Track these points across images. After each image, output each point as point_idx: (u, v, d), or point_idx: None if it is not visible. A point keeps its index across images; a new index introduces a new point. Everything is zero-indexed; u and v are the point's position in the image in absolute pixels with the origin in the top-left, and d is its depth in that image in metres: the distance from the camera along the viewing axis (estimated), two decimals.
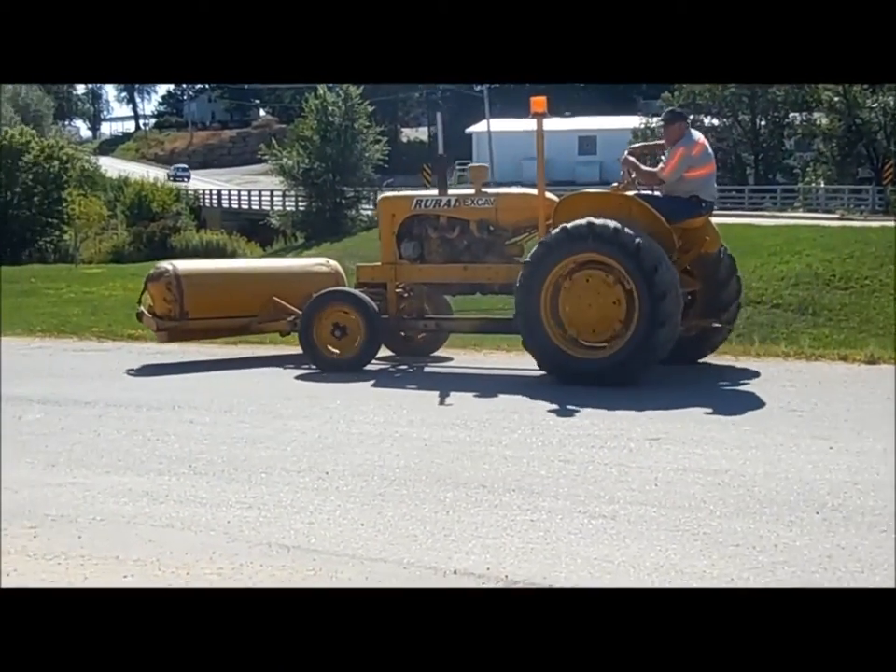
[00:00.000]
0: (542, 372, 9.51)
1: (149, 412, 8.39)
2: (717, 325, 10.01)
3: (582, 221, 9.02)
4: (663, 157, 9.86)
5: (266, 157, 49.31)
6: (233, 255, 40.15)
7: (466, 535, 5.16)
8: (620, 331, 9.01)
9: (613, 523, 5.31)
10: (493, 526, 5.28)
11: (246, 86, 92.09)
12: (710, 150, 9.83)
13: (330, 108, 45.11)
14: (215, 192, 64.08)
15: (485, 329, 10.89)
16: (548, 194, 10.04)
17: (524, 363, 9.90)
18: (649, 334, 8.81)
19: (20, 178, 44.00)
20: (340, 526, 5.37)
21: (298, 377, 10.06)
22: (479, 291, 10.78)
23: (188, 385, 9.80)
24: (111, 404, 8.65)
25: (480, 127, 60.70)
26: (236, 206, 60.17)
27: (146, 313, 11.23)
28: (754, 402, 8.26)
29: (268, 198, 55.48)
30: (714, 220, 10.08)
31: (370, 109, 46.64)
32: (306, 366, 10.55)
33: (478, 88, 62.33)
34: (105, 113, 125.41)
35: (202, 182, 73.54)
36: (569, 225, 9.08)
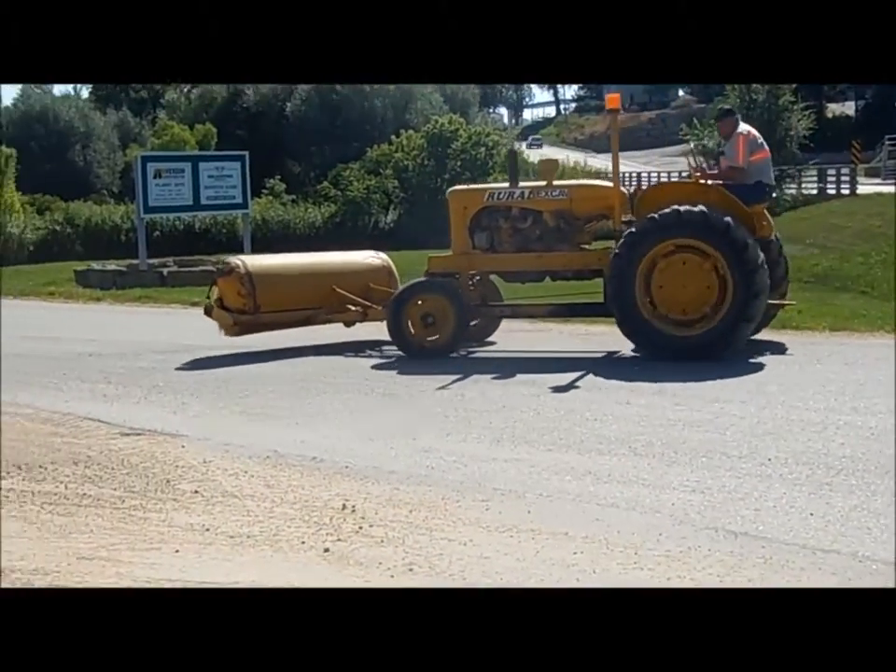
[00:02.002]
0: None
1: (586, 392, 8.54)
2: (773, 302, 10.42)
3: (669, 209, 9.70)
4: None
5: (688, 137, 48.63)
6: None
7: None
8: (712, 308, 9.71)
9: None
10: None
11: None
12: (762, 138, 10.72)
13: (753, 85, 43.74)
14: (634, 175, 64.25)
15: (558, 314, 11.50)
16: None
17: None
18: (744, 307, 9.60)
19: (448, 165, 46.05)
20: (787, 515, 5.19)
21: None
22: (549, 277, 11.27)
23: (621, 366, 9.86)
24: (546, 384, 8.87)
25: None
26: None
27: (215, 307, 11.52)
28: None
29: None
30: None
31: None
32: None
33: None
34: (527, 99, 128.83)
35: (620, 165, 74.07)
36: (657, 214, 9.74)
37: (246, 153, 25.56)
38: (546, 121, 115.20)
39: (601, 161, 61.20)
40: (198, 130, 56.17)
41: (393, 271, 12.45)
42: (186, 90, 70.33)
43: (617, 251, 9.97)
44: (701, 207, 9.64)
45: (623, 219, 10.49)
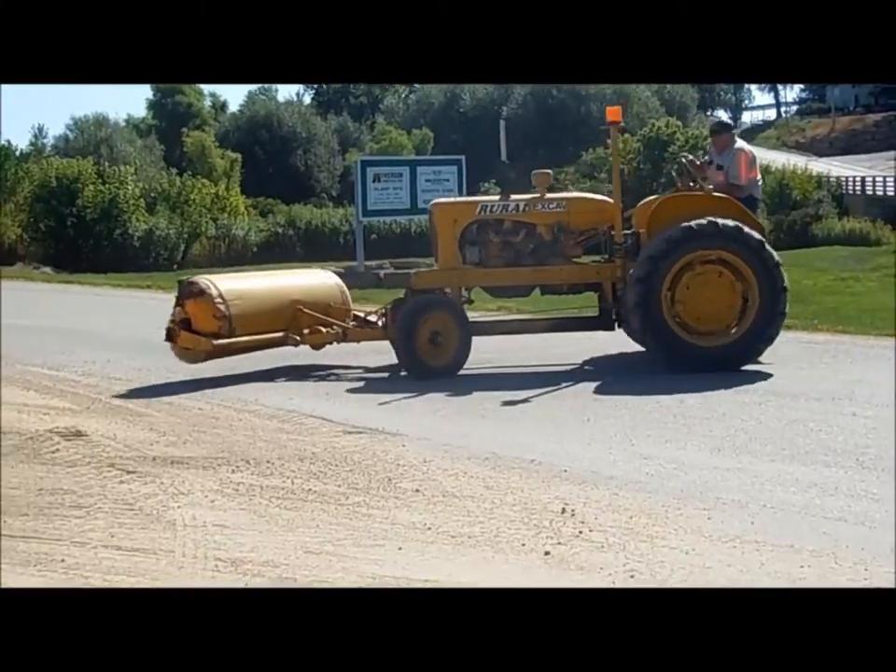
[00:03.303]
0: None
1: (807, 402, 8.28)
2: None
3: (704, 221, 9.58)
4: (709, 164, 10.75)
5: None
6: (877, 243, 38.23)
7: None
8: (735, 321, 9.73)
9: None
10: None
11: None
12: None
13: None
14: (858, 179, 61.82)
15: (559, 328, 11.06)
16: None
17: None
18: (769, 323, 9.66)
19: (664, 169, 45.42)
20: None
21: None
22: (539, 291, 10.97)
23: (838, 377, 9.51)
24: (770, 392, 8.64)
25: None
26: (881, 193, 57.48)
27: (181, 331, 10.30)
28: None
29: None
30: None
31: None
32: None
33: None
34: (746, 102, 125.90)
35: (843, 169, 71.49)
36: (694, 224, 9.56)
37: (463, 157, 25.83)
38: (766, 124, 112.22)
39: (822, 165, 59.27)
40: (415, 134, 57.32)
41: (346, 290, 11.42)
42: (404, 95, 71.77)
43: (651, 255, 9.65)
44: (735, 222, 9.65)
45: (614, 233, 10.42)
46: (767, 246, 9.73)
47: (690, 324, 9.74)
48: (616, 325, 10.57)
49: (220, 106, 79.02)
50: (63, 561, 5.09)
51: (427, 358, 9.98)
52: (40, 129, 70.69)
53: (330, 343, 10.77)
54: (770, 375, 9.37)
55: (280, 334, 10.49)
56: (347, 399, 9.06)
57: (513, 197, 10.84)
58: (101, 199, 36.17)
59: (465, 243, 10.67)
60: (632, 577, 4.62)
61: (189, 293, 10.38)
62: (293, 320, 10.60)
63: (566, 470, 6.41)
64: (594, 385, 9.29)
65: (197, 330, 10.25)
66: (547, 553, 4.98)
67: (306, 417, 8.21)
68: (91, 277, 26.65)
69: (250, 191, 48.60)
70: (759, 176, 10.88)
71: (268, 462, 6.81)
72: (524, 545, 5.12)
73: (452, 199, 12.08)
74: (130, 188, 37.47)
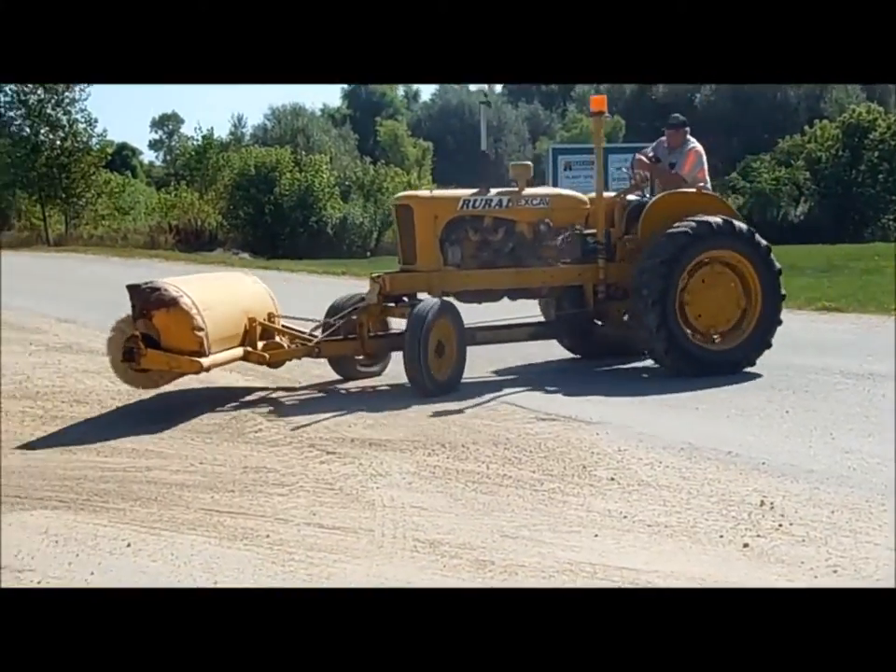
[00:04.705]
0: None
1: None
2: None
3: (720, 219, 9.35)
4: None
5: None
6: None
7: None
8: (735, 325, 9.49)
9: None
10: None
11: None
12: None
13: None
14: None
15: (540, 336, 10.30)
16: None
17: None
18: (768, 330, 9.48)
19: (865, 157, 43.98)
20: None
21: None
22: (509, 298, 10.09)
23: None
24: None
25: None
26: None
27: (145, 348, 8.20)
28: None
29: None
30: None
31: None
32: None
33: None
34: None
35: None
36: (710, 220, 9.28)
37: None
38: None
39: None
40: (607, 122, 56.95)
41: (273, 297, 9.69)
42: (596, 84, 71.33)
43: (664, 258, 9.14)
44: (744, 224, 9.56)
45: (587, 232, 9.92)
46: (771, 253, 9.57)
47: (697, 326, 9.42)
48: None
49: (413, 96, 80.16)
50: (267, 537, 5.28)
51: (435, 372, 8.78)
52: (239, 118, 73.42)
53: (297, 358, 9.36)
54: None
55: (239, 350, 8.83)
56: (539, 386, 9.10)
57: (494, 191, 9.92)
58: (297, 187, 37.22)
59: (447, 241, 9.65)
60: (835, 572, 4.51)
61: (157, 301, 8.25)
62: (246, 334, 8.96)
63: (763, 463, 6.29)
64: (789, 377, 9.07)
65: (169, 347, 8.24)
66: (746, 546, 4.90)
67: (499, 404, 8.29)
68: (287, 263, 27.45)
69: (441, 180, 49.16)
70: (707, 178, 10.34)
71: (463, 446, 6.91)
72: (721, 537, 5.05)
73: (428, 192, 10.44)
74: (325, 176, 38.44)
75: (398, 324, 9.53)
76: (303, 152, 42.07)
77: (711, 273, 9.43)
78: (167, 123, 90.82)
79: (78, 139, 38.21)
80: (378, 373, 9.79)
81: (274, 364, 9.20)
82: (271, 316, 9.25)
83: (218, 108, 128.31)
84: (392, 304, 9.47)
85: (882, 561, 4.61)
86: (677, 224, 9.30)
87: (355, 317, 9.32)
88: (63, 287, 20.32)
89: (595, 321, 10.28)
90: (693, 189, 9.97)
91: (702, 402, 8.18)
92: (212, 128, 56.01)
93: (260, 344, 8.97)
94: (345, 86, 75.29)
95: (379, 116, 63.24)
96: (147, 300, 8.29)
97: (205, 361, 8.20)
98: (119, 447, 7.19)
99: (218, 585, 4.62)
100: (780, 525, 5.16)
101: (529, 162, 10.41)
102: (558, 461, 6.49)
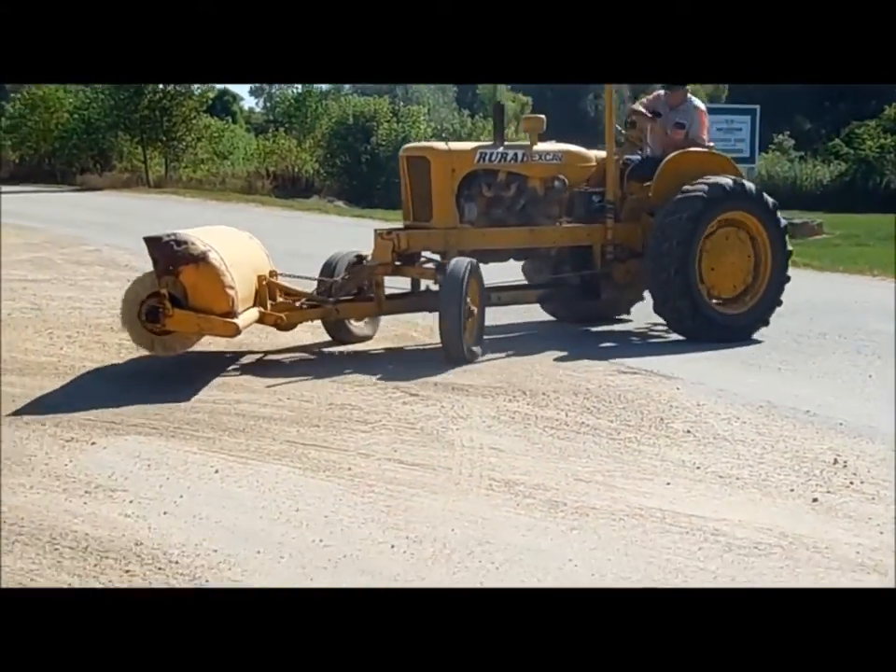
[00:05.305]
0: None
1: None
2: None
3: (732, 179, 9.15)
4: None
5: None
6: None
7: None
8: (748, 287, 9.33)
9: None
10: None
11: None
12: None
13: None
14: None
15: (549, 298, 9.82)
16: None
17: None
18: (779, 290, 9.34)
19: None
20: None
21: None
22: (531, 256, 9.73)
23: None
24: None
25: None
26: None
27: (172, 308, 7.40)
28: None
29: None
30: None
31: None
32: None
33: None
34: None
35: None
36: (723, 182, 9.06)
37: (757, 107, 25.11)
38: None
39: None
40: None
41: (268, 254, 8.82)
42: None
43: (685, 215, 8.85)
44: (752, 184, 9.45)
45: (591, 190, 9.54)
46: (778, 210, 9.44)
47: (715, 292, 9.26)
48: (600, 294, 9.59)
49: None
50: (349, 469, 5.48)
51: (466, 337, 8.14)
52: None
53: (314, 320, 8.81)
54: None
55: (255, 312, 8.03)
56: (621, 340, 9.18)
57: (510, 143, 9.53)
58: (394, 137, 37.31)
59: (463, 197, 9.11)
60: None
61: (185, 256, 7.43)
62: (257, 294, 8.19)
63: (841, 423, 6.32)
64: (875, 343, 9.03)
65: (197, 307, 7.46)
66: (815, 500, 4.98)
67: (580, 355, 8.39)
68: (381, 213, 27.68)
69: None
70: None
71: (543, 394, 7.04)
72: (792, 490, 5.13)
73: (444, 144, 9.37)
74: (422, 127, 38.45)
75: (398, 283, 9.10)
76: (402, 103, 42.16)
77: (725, 235, 9.24)
78: None
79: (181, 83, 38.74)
80: (370, 336, 9.20)
81: (288, 326, 8.44)
82: (273, 274, 8.45)
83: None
84: (400, 263, 8.89)
85: None
86: (691, 184, 9.06)
87: (363, 276, 8.83)
88: (161, 226, 20.75)
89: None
90: (705, 149, 9.73)
91: (785, 363, 8.19)
92: None
93: (272, 304, 8.29)
94: None
95: None
96: (172, 254, 7.42)
97: (239, 322, 7.51)
98: (210, 380, 7.45)
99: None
100: (851, 483, 5.23)
101: (542, 115, 9.86)
102: (636, 412, 6.59)
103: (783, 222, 9.47)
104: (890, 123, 41.44)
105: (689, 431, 6.19)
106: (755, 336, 9.20)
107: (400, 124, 37.96)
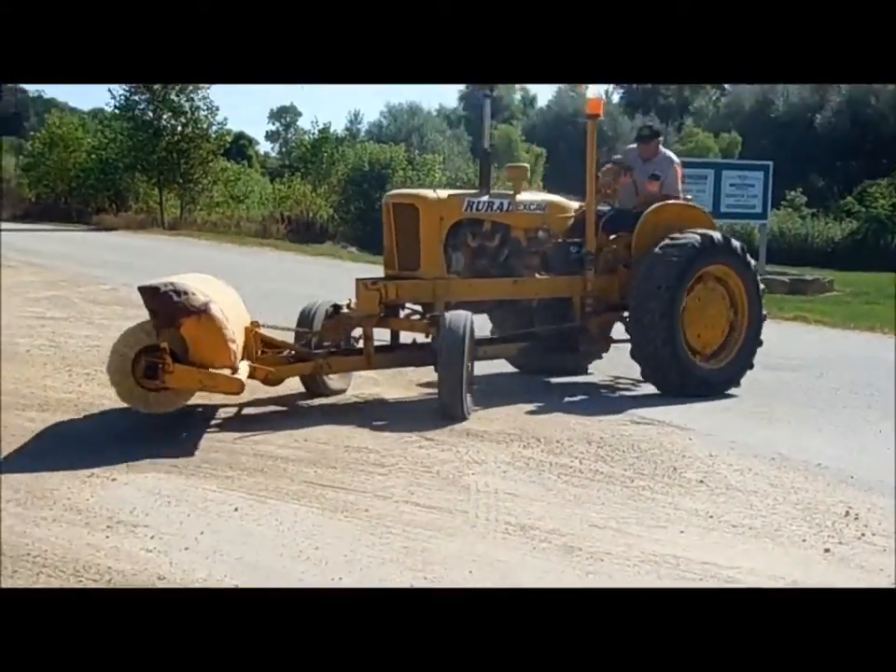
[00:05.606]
0: None
1: None
2: None
3: (720, 234, 9.24)
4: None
5: None
6: None
7: None
8: (724, 342, 9.32)
9: None
10: None
11: None
12: None
13: None
14: None
15: (530, 352, 9.40)
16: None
17: None
18: (753, 349, 9.35)
19: None
20: None
21: None
22: (511, 309, 9.43)
23: None
24: None
25: None
26: None
27: (172, 363, 6.91)
28: None
29: None
30: None
31: None
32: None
33: None
34: None
35: None
36: (699, 239, 9.02)
37: (771, 163, 25.33)
38: None
39: None
40: (723, 138, 56.39)
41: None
42: (714, 97, 70.71)
43: (674, 261, 8.82)
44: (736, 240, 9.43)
45: (571, 241, 9.40)
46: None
47: (694, 346, 9.15)
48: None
49: (530, 101, 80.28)
50: (366, 511, 5.56)
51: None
52: (356, 114, 74.21)
53: (304, 374, 8.35)
54: None
55: (245, 365, 7.43)
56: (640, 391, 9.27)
57: (495, 192, 9.28)
58: (409, 184, 37.59)
59: (450, 247, 8.86)
60: None
61: (185, 308, 6.92)
62: (245, 347, 7.61)
63: (852, 477, 6.41)
64: (888, 400, 9.10)
65: (199, 362, 6.99)
66: (827, 551, 5.06)
67: (593, 404, 8.48)
68: None
69: (552, 186, 49.19)
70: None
71: (557, 442, 7.12)
72: (804, 541, 5.21)
73: (432, 191, 8.96)
74: (437, 175, 38.72)
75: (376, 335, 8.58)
76: (417, 151, 42.49)
77: (705, 290, 9.22)
78: (285, 115, 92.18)
79: (199, 126, 39.02)
80: (344, 390, 8.82)
81: (277, 381, 7.97)
82: (255, 325, 7.89)
83: (335, 103, 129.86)
84: (384, 314, 8.56)
85: None
86: (674, 236, 9.03)
87: (343, 327, 8.60)
88: (174, 266, 20.93)
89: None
90: (683, 202, 9.71)
91: (796, 417, 8.27)
92: (329, 122, 57.23)
93: (258, 358, 7.83)
94: (462, 87, 75.80)
95: (494, 119, 63.44)
96: (172, 305, 6.90)
97: (243, 378, 7.10)
98: (228, 421, 7.54)
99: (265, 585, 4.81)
100: (863, 535, 5.30)
101: (526, 165, 9.83)
102: (649, 462, 6.68)
103: (761, 283, 9.50)
104: None
105: (702, 481, 6.27)
106: (767, 389, 9.27)
107: (416, 172, 38.25)
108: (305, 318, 8.67)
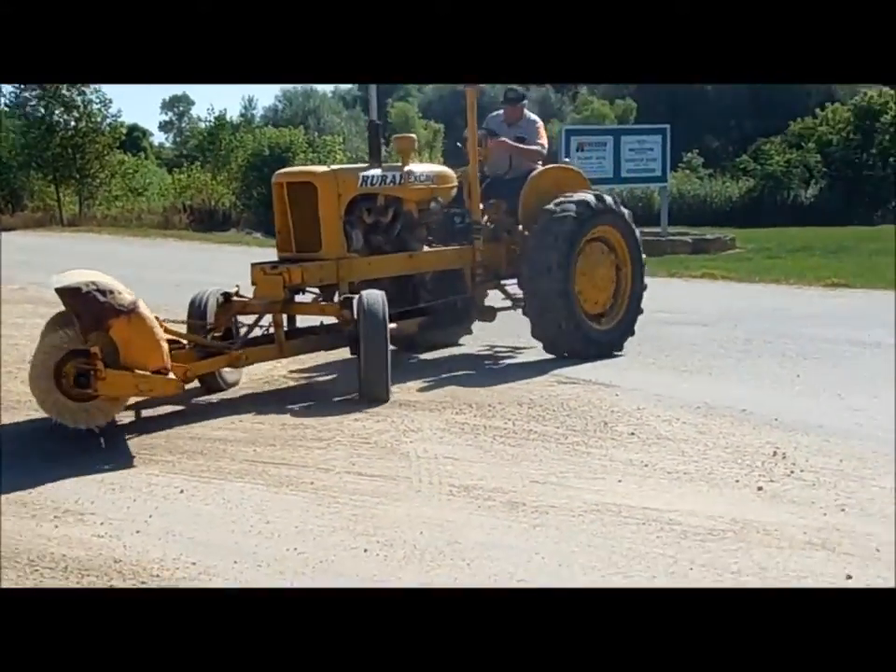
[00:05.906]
0: None
1: None
2: None
3: (589, 196, 9.08)
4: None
5: None
6: None
7: None
8: (614, 302, 9.36)
9: None
10: None
11: None
12: None
13: None
14: None
15: (428, 326, 9.05)
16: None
17: None
18: (639, 304, 9.44)
19: (876, 140, 44.12)
20: None
21: None
22: (406, 284, 9.01)
23: None
24: None
25: None
26: None
27: (104, 369, 6.42)
28: None
29: None
30: None
31: None
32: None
33: None
34: None
35: None
36: (588, 199, 9.02)
37: (668, 126, 25.70)
38: None
39: None
40: (618, 105, 57.03)
41: None
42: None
43: (560, 235, 8.75)
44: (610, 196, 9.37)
45: (454, 211, 9.27)
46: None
47: (586, 307, 9.11)
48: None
49: None
50: (311, 483, 5.64)
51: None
52: (250, 100, 73.67)
53: (219, 368, 7.90)
54: None
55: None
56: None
57: (386, 165, 8.91)
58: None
59: (349, 224, 8.47)
60: (843, 511, 4.93)
61: (113, 309, 6.43)
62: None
63: (776, 419, 6.66)
64: (800, 345, 9.42)
65: (131, 365, 6.51)
66: (760, 489, 5.29)
67: (520, 369, 8.64)
68: None
69: (452, 161, 49.29)
70: None
71: (489, 406, 7.26)
72: (737, 482, 5.43)
73: (327, 168, 8.61)
74: (338, 157, 38.58)
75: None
76: (316, 133, 42.27)
77: (592, 252, 9.21)
78: (177, 105, 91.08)
79: (93, 120, 38.39)
80: (237, 382, 8.35)
81: (192, 379, 7.36)
82: (160, 322, 7.03)
83: (229, 90, 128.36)
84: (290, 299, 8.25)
85: (886, 501, 4.98)
86: (560, 200, 9.01)
87: (232, 314, 8.23)
88: (76, 263, 20.62)
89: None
90: (566, 165, 9.78)
91: (715, 368, 8.54)
92: (224, 109, 56.83)
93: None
94: None
95: (390, 97, 63.37)
96: (98, 306, 6.39)
97: (180, 381, 6.72)
98: (159, 409, 7.54)
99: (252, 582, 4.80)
100: (792, 472, 5.55)
101: (413, 135, 9.52)
102: (580, 418, 6.85)
103: (638, 232, 9.51)
104: (795, 138, 42.62)
105: (633, 433, 6.46)
106: (685, 344, 9.54)
107: (316, 154, 38.04)
108: (196, 309, 8.16)
